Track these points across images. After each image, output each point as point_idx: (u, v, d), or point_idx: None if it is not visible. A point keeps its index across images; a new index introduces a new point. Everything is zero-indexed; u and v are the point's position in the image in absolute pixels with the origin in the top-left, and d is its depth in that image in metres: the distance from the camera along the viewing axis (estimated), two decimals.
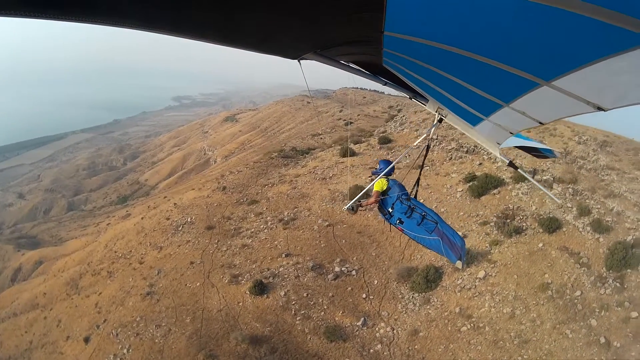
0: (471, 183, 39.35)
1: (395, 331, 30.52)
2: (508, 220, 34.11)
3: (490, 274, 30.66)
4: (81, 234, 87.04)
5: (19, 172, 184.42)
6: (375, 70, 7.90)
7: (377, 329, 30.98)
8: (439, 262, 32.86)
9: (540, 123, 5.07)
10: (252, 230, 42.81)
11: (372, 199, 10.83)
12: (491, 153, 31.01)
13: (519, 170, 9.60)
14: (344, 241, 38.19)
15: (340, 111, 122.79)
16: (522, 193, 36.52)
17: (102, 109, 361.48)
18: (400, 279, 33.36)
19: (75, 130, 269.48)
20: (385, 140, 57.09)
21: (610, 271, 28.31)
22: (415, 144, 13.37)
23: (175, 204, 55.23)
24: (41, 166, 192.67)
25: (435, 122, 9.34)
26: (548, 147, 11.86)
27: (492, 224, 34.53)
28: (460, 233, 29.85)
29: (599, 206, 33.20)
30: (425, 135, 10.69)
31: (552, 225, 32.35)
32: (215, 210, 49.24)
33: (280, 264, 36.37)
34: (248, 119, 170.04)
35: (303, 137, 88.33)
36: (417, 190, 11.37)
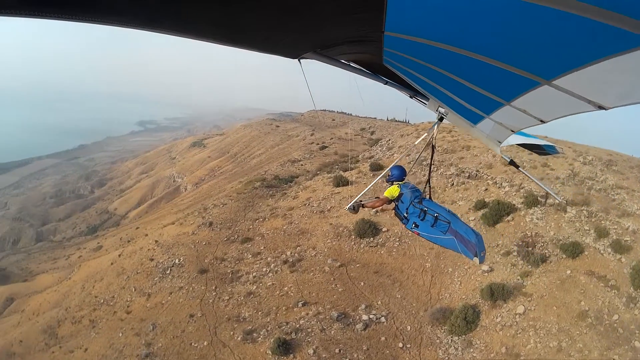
0: (483, 211, 37.41)
1: None
2: (530, 249, 32.31)
3: (529, 308, 28.42)
4: (52, 267, 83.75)
5: None
6: (376, 69, 8.13)
7: None
8: (472, 300, 30.43)
9: (542, 121, 5.21)
10: (254, 274, 39.13)
11: (376, 203, 11.22)
12: (495, 177, 28.56)
13: (519, 169, 9.66)
14: (362, 283, 34.81)
15: (312, 134, 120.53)
16: (537, 218, 34.86)
17: (67, 134, 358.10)
18: (435, 321, 30.29)
19: (40, 155, 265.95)
20: (377, 167, 54.53)
21: (639, 290, 27.54)
22: (416, 142, 13.82)
23: (156, 241, 51.02)
24: (7, 193, 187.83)
25: (436, 121, 9.42)
26: (550, 144, 11.92)
27: (514, 253, 32.64)
28: (486, 266, 31.86)
29: (615, 226, 32.21)
30: (425, 135, 10.94)
31: (574, 250, 31.02)
32: (204, 250, 45.40)
33: (299, 316, 32.45)
34: (216, 144, 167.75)
35: (282, 164, 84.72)
36: (430, 190, 11.24)
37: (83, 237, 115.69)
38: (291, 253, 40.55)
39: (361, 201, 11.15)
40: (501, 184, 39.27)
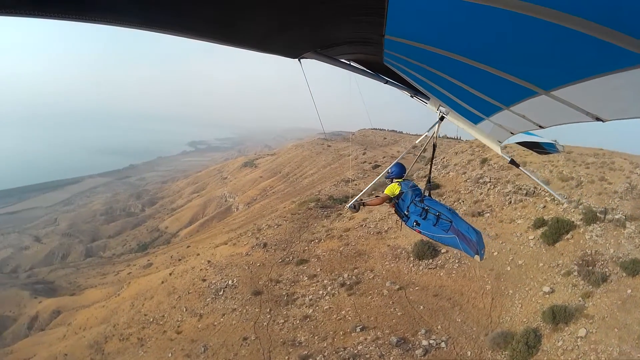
0: (543, 229, 35.62)
1: None
2: (590, 268, 30.45)
3: (591, 330, 26.48)
4: (100, 282, 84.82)
5: (35, 214, 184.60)
6: (377, 69, 8.14)
7: None
8: (533, 323, 28.57)
9: (540, 127, 5.55)
10: (311, 297, 37.55)
11: (377, 200, 11.13)
12: (552, 195, 30.12)
13: (520, 168, 9.25)
14: (421, 307, 33.05)
15: (364, 153, 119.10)
16: (596, 235, 32.75)
17: (118, 154, 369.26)
18: (495, 346, 28.43)
19: (91, 174, 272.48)
20: (433, 186, 51.54)
21: None
22: (417, 142, 13.08)
23: (209, 261, 49.82)
24: (58, 209, 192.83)
25: (436, 120, 9.36)
26: (550, 142, 11.09)
27: (575, 273, 30.74)
28: (547, 287, 30.15)
29: None
30: (425, 134, 10.47)
31: (635, 267, 29.08)
32: (258, 271, 44.07)
33: (357, 341, 30.68)
34: (267, 164, 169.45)
35: (335, 184, 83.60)
36: (429, 189, 11.05)
37: (133, 254, 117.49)
38: (348, 275, 39.11)
39: (362, 199, 11.08)
40: (559, 201, 37.34)
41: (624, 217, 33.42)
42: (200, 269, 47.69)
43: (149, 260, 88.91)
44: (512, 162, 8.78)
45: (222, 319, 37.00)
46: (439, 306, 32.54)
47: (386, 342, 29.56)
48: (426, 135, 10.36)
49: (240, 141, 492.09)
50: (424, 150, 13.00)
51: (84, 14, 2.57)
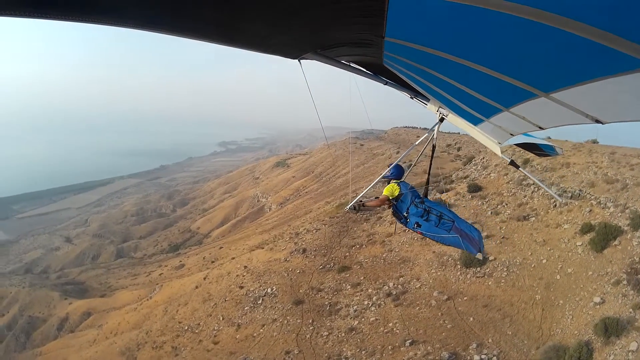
0: (590, 235, 33.97)
1: None
2: (639, 276, 28.66)
3: None
4: (131, 284, 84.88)
5: (66, 215, 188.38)
6: (376, 70, 8.03)
7: None
8: (585, 336, 27.08)
9: (541, 128, 5.56)
10: (355, 307, 35.88)
11: (377, 202, 11.22)
12: (599, 197, 36.73)
13: (520, 169, 9.76)
14: (471, 319, 31.50)
15: (397, 152, 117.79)
16: None
17: (149, 155, 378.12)
18: None
19: (122, 175, 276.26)
20: (475, 188, 50.33)
21: None
22: (416, 143, 12.71)
23: (245, 266, 48.58)
24: (88, 211, 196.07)
25: (436, 121, 9.56)
26: (549, 144, 11.75)
27: (624, 282, 28.96)
28: (598, 297, 28.64)
29: None
30: (425, 135, 10.97)
31: None
32: (298, 278, 42.54)
33: (407, 356, 29.12)
34: (300, 164, 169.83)
35: (371, 184, 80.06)
36: (427, 191, 11.30)
37: (164, 254, 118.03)
38: (394, 284, 37.50)
39: (361, 201, 11.19)
40: (605, 204, 35.78)
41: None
42: (237, 275, 46.64)
43: (180, 261, 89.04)
44: (512, 163, 9.32)
45: (261, 330, 35.90)
46: (489, 318, 31.24)
47: (437, 358, 28.34)
48: (426, 136, 10.89)
49: (271, 141, 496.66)
50: (423, 150, 12.82)
51: (85, 14, 2.55)
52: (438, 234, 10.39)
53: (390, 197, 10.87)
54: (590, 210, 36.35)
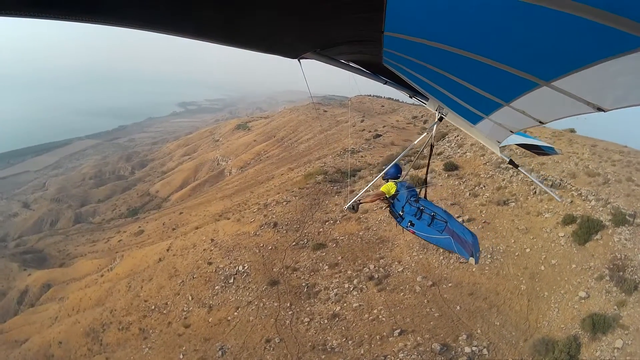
0: (573, 227, 34.20)
1: None
2: (621, 273, 29.43)
3: (627, 342, 25.69)
4: (90, 251, 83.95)
5: (24, 179, 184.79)
6: (376, 69, 7.98)
7: None
8: (571, 330, 27.48)
9: (541, 122, 5.38)
10: (336, 291, 34.65)
11: (372, 197, 11.21)
12: (580, 189, 36.91)
13: (519, 168, 9.44)
14: (458, 307, 30.94)
15: (362, 121, 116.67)
16: (625, 239, 31.62)
17: (107, 115, 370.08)
18: (536, 354, 27.19)
19: (80, 136, 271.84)
20: (452, 167, 49.21)
21: None
22: (415, 142, 12.50)
23: (212, 239, 46.68)
24: (46, 174, 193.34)
25: (435, 120, 9.39)
26: (549, 145, 11.46)
27: (607, 277, 29.44)
28: (583, 292, 28.93)
29: None
30: (425, 134, 10.61)
31: None
32: (271, 255, 40.78)
33: (397, 347, 28.19)
34: (261, 128, 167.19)
35: (339, 154, 78.80)
36: (425, 190, 11.39)
37: (123, 219, 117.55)
38: (375, 267, 36.47)
39: (360, 200, 11.10)
40: (587, 197, 35.98)
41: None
42: (204, 249, 44.89)
43: (140, 227, 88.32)
44: (511, 162, 9.04)
45: (236, 314, 34.54)
46: (475, 307, 31.00)
47: (428, 349, 27.99)
48: (426, 135, 10.56)
49: (232, 103, 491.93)
50: (422, 151, 13.07)
51: (85, 14, 2.57)
52: (430, 234, 10.38)
53: (387, 195, 10.87)
54: (572, 202, 36.64)
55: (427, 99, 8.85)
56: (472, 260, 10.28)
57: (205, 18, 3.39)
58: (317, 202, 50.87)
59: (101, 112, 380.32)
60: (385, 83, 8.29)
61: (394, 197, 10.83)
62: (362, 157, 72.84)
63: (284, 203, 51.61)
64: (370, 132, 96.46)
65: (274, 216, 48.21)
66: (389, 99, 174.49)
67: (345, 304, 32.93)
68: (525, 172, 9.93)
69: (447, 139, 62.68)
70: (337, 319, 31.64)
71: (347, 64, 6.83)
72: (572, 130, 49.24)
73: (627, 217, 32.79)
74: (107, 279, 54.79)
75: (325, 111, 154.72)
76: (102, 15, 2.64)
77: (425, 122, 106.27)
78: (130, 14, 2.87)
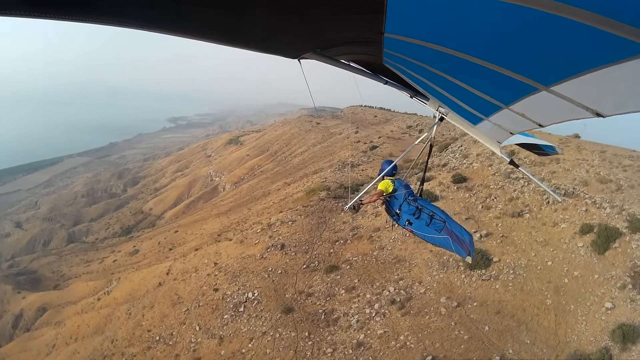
0: (591, 236, 33.53)
1: None
2: None
3: None
4: (85, 272, 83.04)
5: (16, 198, 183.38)
6: (376, 69, 8.05)
7: None
8: (601, 342, 26.75)
9: (540, 125, 5.39)
10: (357, 317, 32.74)
11: (373, 197, 10.98)
12: (594, 197, 36.58)
13: (519, 168, 9.10)
14: (487, 327, 29.63)
15: (356, 132, 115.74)
16: None
17: (97, 131, 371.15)
18: None
19: (71, 153, 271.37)
20: (459, 179, 47.61)
21: None
22: (415, 142, 12.11)
23: (215, 263, 44.85)
24: (38, 192, 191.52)
25: (436, 120, 9.50)
26: (550, 144, 11.22)
27: (629, 286, 28.67)
28: (609, 303, 28.37)
29: None
30: (426, 134, 10.65)
31: None
32: (281, 280, 38.87)
33: None
34: (254, 142, 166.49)
35: (338, 168, 76.78)
36: (422, 190, 11.58)
37: (117, 238, 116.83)
38: (395, 289, 34.72)
39: (361, 200, 10.93)
40: (601, 205, 35.27)
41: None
42: (208, 274, 43.01)
43: (134, 246, 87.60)
44: (512, 162, 8.80)
45: (250, 345, 32.66)
46: (504, 326, 29.85)
47: None
48: (426, 136, 10.61)
49: (222, 117, 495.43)
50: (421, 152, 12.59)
51: (85, 14, 2.53)
52: (428, 234, 10.42)
53: (385, 192, 10.86)
54: (586, 210, 35.94)
55: (427, 99, 8.95)
56: (469, 258, 10.43)
57: (206, 18, 3.33)
58: (323, 220, 49.13)
59: (91, 129, 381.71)
60: (386, 83, 8.31)
61: (391, 194, 10.86)
62: (362, 170, 71.23)
63: (290, 223, 49.62)
64: (365, 143, 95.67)
65: (280, 237, 46.28)
66: (381, 108, 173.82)
67: (369, 331, 31.22)
68: (526, 173, 9.82)
69: (450, 149, 61.81)
70: (362, 348, 29.91)
71: (347, 64, 6.72)
72: (577, 136, 48.83)
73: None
74: (105, 303, 53.09)
75: (318, 123, 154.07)
76: (101, 15, 2.59)
77: (420, 131, 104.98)
78: (130, 13, 2.80)
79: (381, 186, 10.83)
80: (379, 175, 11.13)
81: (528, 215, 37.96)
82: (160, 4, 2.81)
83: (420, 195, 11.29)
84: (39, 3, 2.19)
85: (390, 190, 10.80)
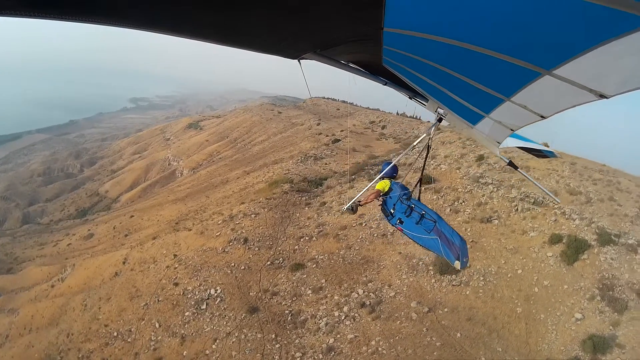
0: (560, 246, 34.04)
1: None
2: (610, 293, 29.66)
3: None
4: (38, 255, 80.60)
5: None
6: (375, 71, 8.13)
7: None
8: (572, 352, 27.11)
9: (542, 117, 5.09)
10: (326, 320, 32.07)
11: (371, 197, 11.18)
12: (563, 207, 36.52)
13: (518, 170, 9.42)
14: (459, 335, 29.53)
15: (318, 124, 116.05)
16: (611, 258, 31.74)
17: (59, 108, 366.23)
18: None
19: (30, 130, 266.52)
20: (426, 179, 46.12)
21: None
22: (414, 143, 11.95)
23: (175, 255, 43.52)
24: None
25: (434, 121, 9.42)
26: (547, 149, 11.92)
27: (598, 298, 29.40)
28: (579, 313, 28.81)
29: None
30: (424, 135, 10.39)
31: None
32: (245, 277, 37.79)
33: None
34: (214, 127, 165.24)
35: (301, 160, 75.07)
36: (420, 191, 11.53)
37: (72, 220, 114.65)
38: (364, 292, 34.28)
39: (359, 200, 11.17)
40: (570, 215, 35.82)
41: (636, 243, 32.59)
42: (167, 266, 41.74)
43: (89, 229, 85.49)
44: (511, 163, 9.04)
45: (214, 347, 31.59)
46: (476, 333, 29.88)
47: None
48: (424, 136, 10.50)
49: (182, 100, 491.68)
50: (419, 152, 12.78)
51: (85, 14, 2.64)
52: (417, 234, 10.42)
53: (382, 192, 11.08)
54: (556, 220, 36.34)
55: (426, 100, 8.92)
56: (457, 263, 10.00)
57: (205, 19, 3.41)
58: (287, 214, 48.32)
59: (53, 105, 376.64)
60: (385, 84, 8.44)
61: (387, 193, 11.06)
62: (326, 164, 70.54)
63: (252, 216, 48.54)
64: (327, 136, 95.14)
65: (242, 230, 45.19)
66: (344, 102, 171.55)
67: (339, 335, 30.71)
68: (526, 175, 10.01)
69: (416, 149, 61.30)
70: (332, 352, 29.39)
71: (346, 65, 7.02)
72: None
73: (612, 237, 32.75)
74: (59, 292, 51.31)
75: (280, 112, 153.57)
76: (101, 15, 2.68)
77: (383, 127, 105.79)
78: (130, 14, 2.90)
79: (379, 186, 11.09)
80: (379, 175, 11.19)
81: (497, 221, 38.19)
82: (160, 4, 2.89)
83: (418, 197, 11.28)
84: (38, 3, 2.26)
85: (387, 190, 11.01)
